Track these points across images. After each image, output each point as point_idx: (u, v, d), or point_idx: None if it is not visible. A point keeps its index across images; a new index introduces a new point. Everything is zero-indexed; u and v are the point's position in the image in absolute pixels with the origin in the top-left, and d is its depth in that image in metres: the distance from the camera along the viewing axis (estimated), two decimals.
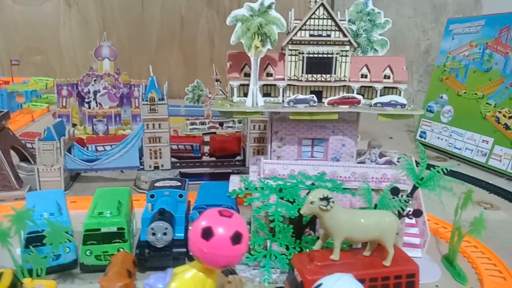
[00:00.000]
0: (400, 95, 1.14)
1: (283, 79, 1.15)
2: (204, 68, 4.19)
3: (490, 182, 1.89)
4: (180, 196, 1.27)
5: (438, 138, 2.40)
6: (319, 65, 1.13)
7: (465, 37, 2.31)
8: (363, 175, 1.14)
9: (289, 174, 1.10)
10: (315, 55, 1.12)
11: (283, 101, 1.15)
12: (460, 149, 2.23)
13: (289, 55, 1.13)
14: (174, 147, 2.00)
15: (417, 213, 1.03)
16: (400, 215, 1.03)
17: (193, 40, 4.44)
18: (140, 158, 1.74)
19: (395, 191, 1.00)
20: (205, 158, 2.02)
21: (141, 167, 1.74)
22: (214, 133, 2.48)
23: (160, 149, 1.71)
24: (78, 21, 4.24)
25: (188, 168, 1.82)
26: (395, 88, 1.15)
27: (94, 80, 2.58)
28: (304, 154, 1.20)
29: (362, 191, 1.03)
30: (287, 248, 1.00)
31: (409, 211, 1.03)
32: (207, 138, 2.13)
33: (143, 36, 4.34)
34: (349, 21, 1.32)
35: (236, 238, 0.59)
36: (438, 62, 2.50)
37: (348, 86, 1.16)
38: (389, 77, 1.16)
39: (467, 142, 2.19)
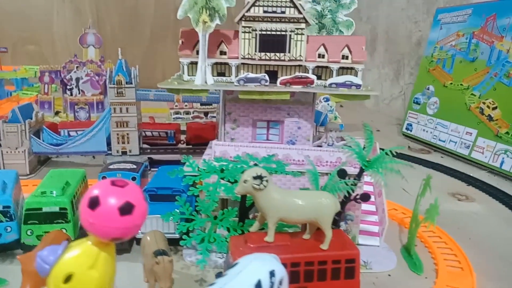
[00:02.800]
0: (356, 75, 1.09)
1: (237, 58, 1.11)
2: None
3: (471, 174, 1.83)
4: (133, 178, 1.23)
5: (424, 130, 2.34)
6: (273, 43, 1.08)
7: (453, 26, 2.25)
8: (317, 158, 1.10)
9: (235, 155, 1.05)
10: (268, 33, 1.07)
11: None
12: (444, 141, 2.17)
13: (243, 32, 1.08)
14: (148, 133, 1.97)
15: (365, 197, 0.98)
16: (347, 199, 0.99)
17: None
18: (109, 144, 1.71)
19: (342, 173, 0.95)
20: (180, 146, 1.98)
21: (109, 152, 1.70)
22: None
23: (127, 134, 1.67)
24: (71, 10, 4.22)
25: (159, 154, 1.79)
26: (352, 68, 1.10)
27: (77, 67, 2.55)
28: (259, 136, 1.16)
29: (309, 173, 0.98)
30: (229, 231, 0.96)
31: (357, 195, 0.98)
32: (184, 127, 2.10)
33: (136, 27, 4.31)
34: (313, 0, 1.27)
35: (126, 209, 0.55)
36: (426, 52, 2.44)
37: (304, 66, 1.11)
38: (347, 57, 1.11)
39: (451, 134, 2.13)
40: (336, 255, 0.85)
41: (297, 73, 1.09)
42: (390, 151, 0.96)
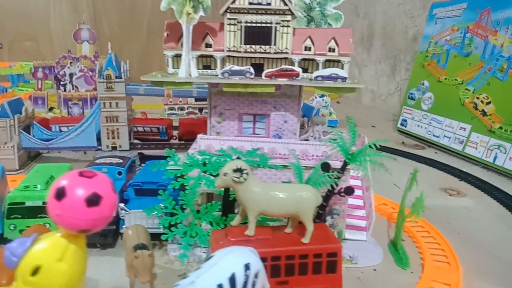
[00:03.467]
0: (343, 68, 1.08)
1: (223, 50, 1.09)
2: None
3: (464, 170, 1.82)
4: (119, 173, 1.22)
5: (418, 126, 2.32)
6: (258, 36, 1.07)
7: (448, 21, 2.23)
8: (303, 152, 1.09)
9: (219, 149, 1.04)
10: (254, 25, 1.06)
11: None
12: (438, 136, 2.16)
13: (228, 24, 1.07)
14: (140, 129, 1.96)
15: (349, 191, 0.97)
16: (331, 192, 0.98)
17: None
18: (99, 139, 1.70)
19: (325, 167, 0.94)
20: (172, 141, 1.97)
21: (99, 147, 1.69)
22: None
23: (117, 129, 1.66)
24: (68, 7, 4.20)
25: (150, 149, 1.78)
26: (339, 61, 1.09)
27: (70, 63, 2.54)
28: (245, 130, 1.15)
29: (292, 167, 0.97)
30: (212, 225, 0.95)
31: (341, 188, 0.97)
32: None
33: (134, 24, 4.30)
34: None
35: (93, 200, 0.54)
36: (421, 47, 2.43)
37: (290, 59, 1.10)
38: (334, 50, 1.10)
39: (445, 130, 2.12)
40: (317, 249, 0.84)
41: (282, 66, 1.07)
42: (374, 144, 0.95)
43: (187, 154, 0.99)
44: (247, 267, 0.65)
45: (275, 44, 1.07)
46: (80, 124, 1.66)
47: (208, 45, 1.10)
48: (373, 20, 3.47)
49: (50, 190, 0.55)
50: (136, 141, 1.89)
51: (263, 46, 1.07)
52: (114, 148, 1.69)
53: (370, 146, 0.95)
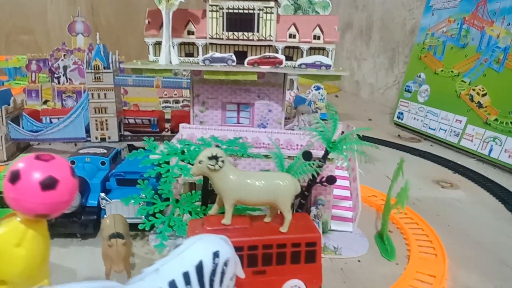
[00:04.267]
0: (328, 56, 1.05)
1: (206, 38, 1.07)
2: None
3: (459, 162, 1.79)
4: (103, 163, 1.20)
5: (414, 118, 2.29)
6: (240, 22, 1.05)
7: (444, 12, 2.20)
8: (287, 142, 1.06)
9: (199, 138, 1.02)
10: (236, 11, 1.04)
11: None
12: (434, 129, 2.13)
13: (210, 11, 1.05)
14: (131, 121, 1.94)
15: (331, 180, 0.95)
16: (313, 182, 0.96)
17: None
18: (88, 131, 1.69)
19: (307, 155, 0.92)
20: (164, 134, 1.96)
21: (88, 139, 1.68)
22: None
23: (106, 120, 1.64)
24: (65, 0, 4.18)
25: (140, 141, 1.76)
26: (324, 49, 1.06)
27: (64, 55, 2.52)
28: (229, 120, 1.13)
29: (273, 156, 0.95)
30: (191, 214, 0.93)
31: (323, 177, 0.95)
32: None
33: (131, 16, 4.27)
34: None
35: (48, 184, 0.52)
36: (418, 39, 2.39)
37: (274, 46, 1.07)
38: (319, 37, 1.07)
39: (441, 122, 2.09)
40: (296, 238, 0.82)
41: (265, 53, 1.05)
42: (355, 132, 0.92)
43: (166, 142, 0.97)
44: (216, 255, 0.64)
45: (258, 31, 1.05)
46: (69, 115, 1.64)
47: (190, 32, 1.08)
48: (371, 13, 3.44)
49: (6, 174, 0.53)
50: (127, 133, 1.87)
51: (246, 33, 1.05)
52: (103, 140, 1.67)
53: (351, 134, 0.92)
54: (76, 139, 1.68)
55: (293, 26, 1.07)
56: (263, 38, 1.06)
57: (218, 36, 1.06)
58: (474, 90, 1.92)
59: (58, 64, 2.52)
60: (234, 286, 0.78)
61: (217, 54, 1.03)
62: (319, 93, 2.64)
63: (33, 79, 2.59)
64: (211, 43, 1.07)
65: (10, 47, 4.09)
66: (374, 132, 2.29)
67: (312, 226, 0.86)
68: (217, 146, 0.95)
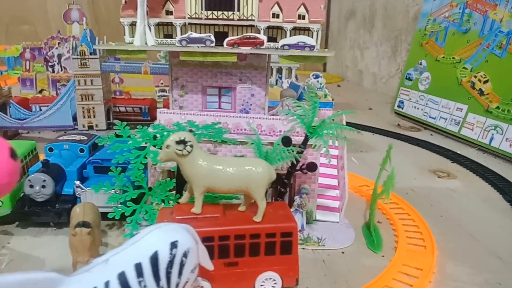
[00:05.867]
0: (313, 36, 1.00)
1: (184, 17, 1.02)
2: None
3: (458, 152, 1.73)
4: (81, 150, 1.16)
5: (415, 107, 2.23)
6: (220, 1, 0.99)
7: None
8: (269, 127, 1.01)
9: (174, 123, 0.98)
10: None
11: None
12: (434, 118, 2.06)
13: None
14: (122, 109, 1.90)
15: (311, 167, 0.90)
16: (293, 169, 0.91)
17: None
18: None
19: (286, 141, 0.87)
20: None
21: (76, 126, 1.64)
22: None
23: (93, 108, 1.60)
24: None
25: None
26: (308, 29, 1.01)
27: (58, 43, 2.48)
28: (210, 105, 1.08)
29: (251, 142, 0.90)
30: (164, 203, 0.89)
31: (303, 165, 0.90)
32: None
33: None
34: None
35: None
36: (419, 26, 2.31)
37: (257, 26, 1.02)
38: (304, 17, 1.01)
39: (442, 111, 2.02)
40: (270, 228, 0.77)
41: (245, 34, 0.99)
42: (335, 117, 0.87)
43: (139, 127, 0.93)
44: (173, 245, 0.59)
45: (239, 10, 0.99)
46: (54, 103, 1.60)
47: (168, 12, 1.02)
48: (374, 0, 3.35)
49: None
50: (116, 121, 1.83)
51: (226, 12, 0.99)
52: (90, 128, 1.64)
53: (332, 119, 0.87)
54: (63, 127, 1.64)
55: (276, 5, 1.01)
56: (245, 18, 1.00)
57: (197, 16, 1.01)
58: (475, 77, 1.85)
59: (52, 52, 2.48)
60: (206, 279, 0.74)
61: (195, 34, 0.97)
62: (318, 81, 2.58)
63: (27, 67, 2.56)
64: (190, 23, 1.02)
65: (10, 38, 4.06)
66: (373, 121, 2.23)
67: (289, 216, 0.81)
68: (191, 131, 0.90)
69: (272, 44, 1.02)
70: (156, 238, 0.59)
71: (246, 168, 0.75)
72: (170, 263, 0.58)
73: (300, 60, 0.96)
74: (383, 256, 0.95)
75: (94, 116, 1.61)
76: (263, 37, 0.98)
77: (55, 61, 2.48)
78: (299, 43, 0.97)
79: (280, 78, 2.37)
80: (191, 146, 0.74)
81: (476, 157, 1.68)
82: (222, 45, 0.99)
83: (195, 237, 0.65)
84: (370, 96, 3.14)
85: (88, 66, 1.55)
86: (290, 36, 1.01)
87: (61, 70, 2.46)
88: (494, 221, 1.14)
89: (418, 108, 2.20)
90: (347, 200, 1.05)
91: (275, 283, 0.79)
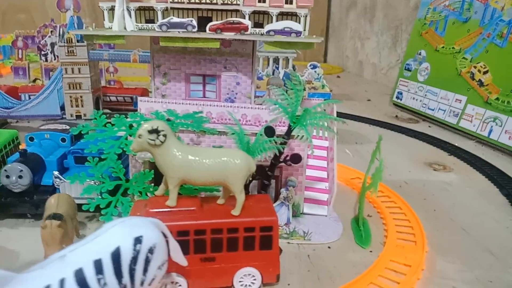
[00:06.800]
0: (300, 22, 0.95)
1: (166, 1, 0.97)
2: None
3: (456, 144, 1.69)
4: (63, 140, 1.13)
5: (413, 98, 2.18)
6: None
7: None
8: (255, 117, 0.97)
9: (152, 111, 0.94)
10: None
11: None
12: (433, 109, 2.01)
13: None
14: (113, 98, 1.86)
15: (296, 159, 0.85)
16: (276, 160, 0.87)
17: None
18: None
19: (269, 131, 0.83)
20: None
21: (64, 116, 1.61)
22: None
23: (81, 97, 1.56)
24: None
25: None
26: (295, 14, 0.96)
27: (51, 32, 2.44)
28: (194, 93, 1.04)
29: (232, 132, 0.86)
30: (141, 195, 0.85)
31: (286, 156, 0.86)
32: None
33: None
34: None
35: None
36: (419, 15, 2.25)
37: (241, 11, 0.97)
38: (291, 2, 0.97)
39: (441, 102, 1.97)
40: (249, 222, 0.73)
41: (229, 18, 0.95)
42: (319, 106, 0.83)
43: (116, 116, 0.89)
44: (138, 240, 0.56)
45: None
46: (41, 91, 1.57)
47: None
48: None
49: None
50: (106, 110, 1.79)
51: None
52: (78, 117, 1.60)
53: (314, 108, 0.82)
54: (50, 116, 1.61)
55: None
56: (229, 2, 0.95)
57: (179, 0, 0.96)
58: (475, 67, 1.80)
59: (45, 41, 2.44)
60: (182, 275, 0.70)
61: (176, 19, 0.93)
62: (315, 71, 2.53)
63: (20, 56, 2.52)
64: (172, 8, 0.97)
65: (7, 26, 4.02)
66: (371, 113, 2.18)
67: (270, 209, 0.77)
68: (168, 120, 0.86)
69: (257, 30, 0.97)
70: (119, 233, 0.55)
71: (223, 159, 0.72)
72: (134, 260, 0.55)
73: (286, 46, 0.91)
74: (371, 251, 0.91)
75: (82, 106, 1.57)
76: (247, 22, 0.93)
77: (48, 49, 2.44)
78: (285, 29, 0.93)
79: (277, 68, 2.31)
80: (165, 135, 0.70)
81: (474, 149, 1.63)
82: (204, 31, 0.95)
83: (164, 232, 0.62)
84: (370, 87, 3.08)
85: (75, 54, 1.51)
86: (276, 21, 0.96)
87: (54, 59, 2.41)
88: (489, 216, 1.10)
89: (416, 100, 2.15)
90: (335, 193, 1.01)
91: (255, 279, 0.76)
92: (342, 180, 1.27)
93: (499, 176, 1.36)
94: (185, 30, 0.93)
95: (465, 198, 1.20)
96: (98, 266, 0.52)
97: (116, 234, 0.55)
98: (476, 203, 1.18)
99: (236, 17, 0.97)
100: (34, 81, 2.58)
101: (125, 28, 0.94)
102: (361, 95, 2.76)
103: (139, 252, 0.55)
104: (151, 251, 0.56)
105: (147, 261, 0.56)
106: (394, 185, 1.25)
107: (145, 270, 0.56)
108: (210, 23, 0.94)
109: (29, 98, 1.82)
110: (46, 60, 2.41)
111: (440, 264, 0.87)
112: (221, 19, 0.98)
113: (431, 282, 0.81)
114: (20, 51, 2.51)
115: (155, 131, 0.70)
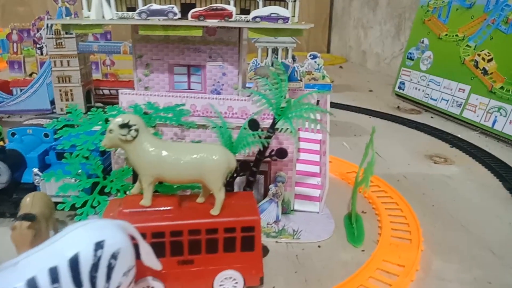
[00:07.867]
0: (288, 8, 0.90)
1: None
2: None
3: (459, 136, 1.62)
4: (46, 135, 1.09)
5: (416, 88, 2.11)
6: None
7: None
8: (241, 110, 0.93)
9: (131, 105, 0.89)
10: None
11: None
12: (436, 100, 1.95)
13: None
14: (106, 91, 1.82)
15: (282, 154, 0.81)
16: (261, 155, 0.82)
17: None
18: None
19: (253, 124, 0.78)
20: None
21: (54, 110, 1.57)
22: None
23: (71, 90, 1.52)
24: None
25: None
26: (283, 0, 0.91)
27: (47, 25, 2.39)
28: (178, 85, 0.99)
29: (214, 126, 0.81)
30: (119, 193, 0.81)
31: (272, 150, 0.81)
32: None
33: None
34: None
35: None
36: (422, 1, 2.18)
37: None
38: None
39: (444, 92, 1.90)
40: (229, 222, 0.69)
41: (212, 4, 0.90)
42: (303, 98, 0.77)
43: (93, 109, 0.85)
44: (99, 245, 0.51)
45: None
46: (30, 85, 1.53)
47: None
48: None
49: None
50: (99, 104, 1.75)
51: None
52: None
53: (299, 100, 0.77)
54: (40, 111, 1.57)
55: None
56: None
57: None
58: (479, 55, 1.73)
59: (40, 34, 2.39)
60: (158, 279, 0.66)
61: (156, 6, 0.88)
62: (315, 62, 2.47)
63: (15, 49, 2.48)
64: None
65: (6, 19, 3.98)
66: (372, 104, 2.12)
67: (253, 208, 0.73)
68: (146, 113, 0.81)
69: (243, 16, 0.92)
70: (78, 237, 0.51)
71: (200, 155, 0.67)
72: (95, 266, 0.50)
73: (272, 33, 0.86)
74: (363, 250, 0.87)
75: (72, 99, 1.53)
76: (231, 8, 0.88)
77: (43, 43, 2.40)
78: (272, 15, 0.87)
79: (276, 59, 2.26)
80: (137, 130, 0.66)
81: (477, 141, 1.57)
82: (186, 18, 0.90)
83: (133, 234, 0.57)
84: (373, 77, 3.02)
85: (64, 46, 1.47)
86: (262, 7, 0.91)
87: None
88: (491, 211, 1.05)
89: (419, 90, 2.08)
90: (327, 188, 0.97)
91: (236, 283, 0.71)
92: (337, 174, 1.23)
93: (503, 168, 1.30)
94: (166, 17, 0.88)
95: (466, 192, 1.15)
96: (54, 273, 0.48)
97: (75, 238, 0.51)
98: (477, 197, 1.12)
99: (221, 3, 0.92)
100: (31, 75, 2.55)
101: (103, 17, 0.89)
102: (363, 85, 2.69)
103: (101, 258, 0.51)
104: (114, 256, 0.52)
105: (110, 268, 0.52)
106: (392, 179, 1.20)
107: (108, 278, 0.52)
108: (192, 10, 0.89)
109: (20, 92, 1.79)
110: (42, 54, 2.37)
111: (436, 263, 0.82)
112: (205, 5, 0.92)
113: (425, 283, 0.77)
114: (15, 44, 2.48)
115: (126, 126, 0.65)
